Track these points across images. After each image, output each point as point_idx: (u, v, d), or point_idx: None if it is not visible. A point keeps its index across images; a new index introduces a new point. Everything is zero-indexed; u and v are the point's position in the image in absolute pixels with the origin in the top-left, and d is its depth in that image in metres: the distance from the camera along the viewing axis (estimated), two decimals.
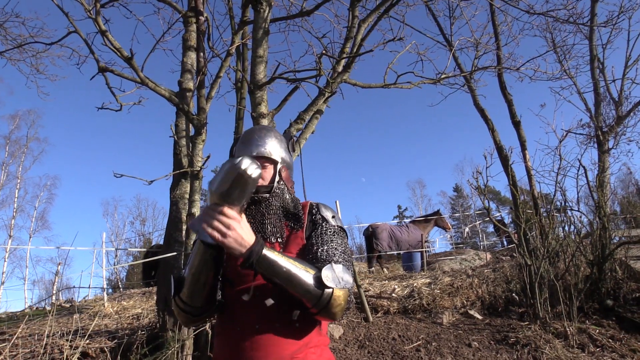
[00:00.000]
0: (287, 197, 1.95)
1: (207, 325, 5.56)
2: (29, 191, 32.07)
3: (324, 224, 1.88)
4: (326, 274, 1.61)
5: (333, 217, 1.93)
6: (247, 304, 1.72)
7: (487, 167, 7.14)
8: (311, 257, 1.75)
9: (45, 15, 22.57)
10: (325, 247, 1.77)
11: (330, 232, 1.85)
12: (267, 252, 1.56)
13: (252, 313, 1.72)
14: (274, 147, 1.95)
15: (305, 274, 1.60)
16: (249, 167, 1.48)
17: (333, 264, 1.66)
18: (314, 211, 1.94)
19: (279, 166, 1.95)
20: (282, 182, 1.95)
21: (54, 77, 10.14)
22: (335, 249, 1.78)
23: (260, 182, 1.87)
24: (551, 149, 7.63)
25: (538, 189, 9.44)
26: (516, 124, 9.89)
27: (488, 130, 9.70)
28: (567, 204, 8.10)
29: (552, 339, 6.23)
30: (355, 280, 7.16)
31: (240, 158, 1.50)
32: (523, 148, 9.71)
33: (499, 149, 9.16)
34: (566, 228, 8.50)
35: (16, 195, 30.38)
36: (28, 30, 8.96)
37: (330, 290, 1.59)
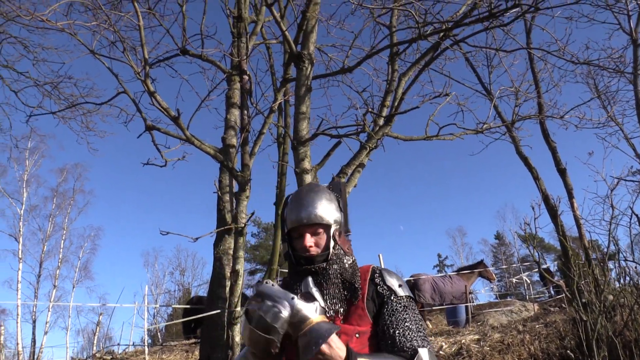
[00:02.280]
0: (346, 262, 1.83)
1: None
2: (73, 242, 32.84)
3: (392, 298, 1.76)
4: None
5: (400, 285, 1.80)
6: None
7: (535, 219, 6.90)
8: (387, 341, 1.67)
9: (95, 76, 23.81)
10: (401, 330, 1.68)
11: (400, 307, 1.74)
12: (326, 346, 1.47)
13: None
14: (325, 210, 1.80)
15: None
16: (256, 322, 1.50)
17: (419, 351, 1.59)
18: (377, 280, 1.82)
19: (332, 229, 1.81)
20: (338, 247, 1.81)
21: (103, 133, 10.51)
22: (411, 329, 1.69)
23: (315, 250, 1.78)
24: (601, 197, 7.33)
25: (588, 238, 9.07)
26: (561, 172, 9.63)
27: (532, 178, 9.47)
28: (621, 254, 7.73)
29: None
30: None
31: (245, 314, 1.54)
32: (570, 196, 9.41)
33: (546, 198, 8.91)
34: (621, 280, 8.08)
35: (61, 246, 31.22)
36: (79, 90, 9.39)
37: None
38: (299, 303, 1.50)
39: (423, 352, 1.59)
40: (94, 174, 57.04)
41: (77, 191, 32.34)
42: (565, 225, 9.05)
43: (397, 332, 1.67)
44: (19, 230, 28.52)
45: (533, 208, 6.84)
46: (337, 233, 1.83)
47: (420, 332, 1.70)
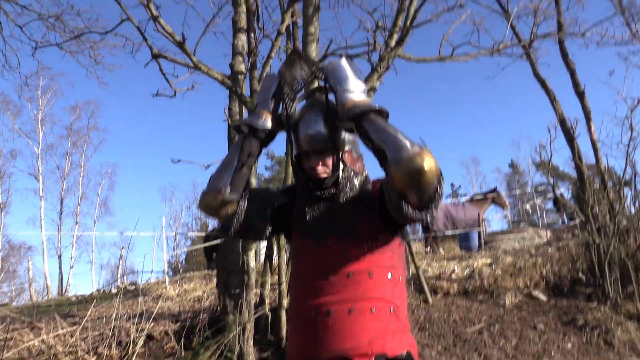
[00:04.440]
0: (356, 182, 1.81)
1: (267, 309, 5.61)
2: (91, 179, 33.42)
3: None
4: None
5: None
6: (320, 287, 1.68)
7: (551, 141, 6.78)
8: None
9: (99, 6, 23.23)
10: None
11: None
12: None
13: (325, 296, 1.66)
14: (332, 133, 1.76)
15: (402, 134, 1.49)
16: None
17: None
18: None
19: (342, 152, 1.79)
20: (347, 169, 1.80)
21: (112, 66, 10.35)
22: None
23: (324, 172, 1.77)
24: (619, 119, 7.15)
25: (605, 162, 8.92)
26: (580, 94, 9.32)
27: (550, 101, 9.19)
28: (637, 177, 7.63)
29: (624, 321, 5.93)
30: (413, 260, 7.02)
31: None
32: (588, 119, 9.16)
33: (562, 121, 8.69)
34: (636, 204, 8.02)
35: (80, 184, 31.78)
36: (84, 21, 9.17)
37: (422, 146, 1.42)
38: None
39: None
40: (106, 110, 57.04)
41: (91, 129, 32.47)
42: (582, 150, 8.85)
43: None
44: (38, 169, 29.03)
45: (549, 130, 6.73)
46: (345, 153, 1.81)
47: None
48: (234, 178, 1.70)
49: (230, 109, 5.85)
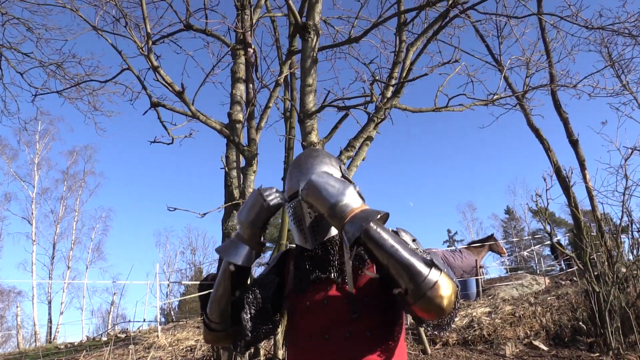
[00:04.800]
0: None
1: None
2: (85, 223, 33.25)
3: None
4: (432, 258, 1.44)
5: (414, 240, 1.72)
6: (319, 348, 1.61)
7: (547, 190, 6.81)
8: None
9: (100, 55, 23.74)
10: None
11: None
12: (373, 224, 1.46)
13: (323, 358, 1.60)
14: None
15: (411, 252, 1.43)
16: (269, 197, 1.68)
17: (433, 256, 1.48)
18: None
19: None
20: None
21: (110, 113, 10.45)
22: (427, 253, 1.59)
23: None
24: (614, 168, 7.22)
25: (601, 210, 8.94)
26: (573, 143, 9.46)
27: (544, 150, 9.33)
28: (634, 225, 7.63)
29: None
30: None
31: (262, 191, 1.70)
32: (582, 168, 9.27)
33: (557, 169, 8.77)
34: (634, 251, 8.00)
35: (74, 228, 31.56)
36: (84, 69, 9.36)
37: (438, 272, 1.38)
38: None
39: (438, 259, 1.47)
40: (103, 155, 57.25)
41: (87, 173, 32.68)
42: (577, 198, 8.90)
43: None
44: (32, 213, 28.90)
45: (545, 179, 6.77)
46: None
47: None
48: (231, 314, 1.72)
49: (227, 157, 5.89)
